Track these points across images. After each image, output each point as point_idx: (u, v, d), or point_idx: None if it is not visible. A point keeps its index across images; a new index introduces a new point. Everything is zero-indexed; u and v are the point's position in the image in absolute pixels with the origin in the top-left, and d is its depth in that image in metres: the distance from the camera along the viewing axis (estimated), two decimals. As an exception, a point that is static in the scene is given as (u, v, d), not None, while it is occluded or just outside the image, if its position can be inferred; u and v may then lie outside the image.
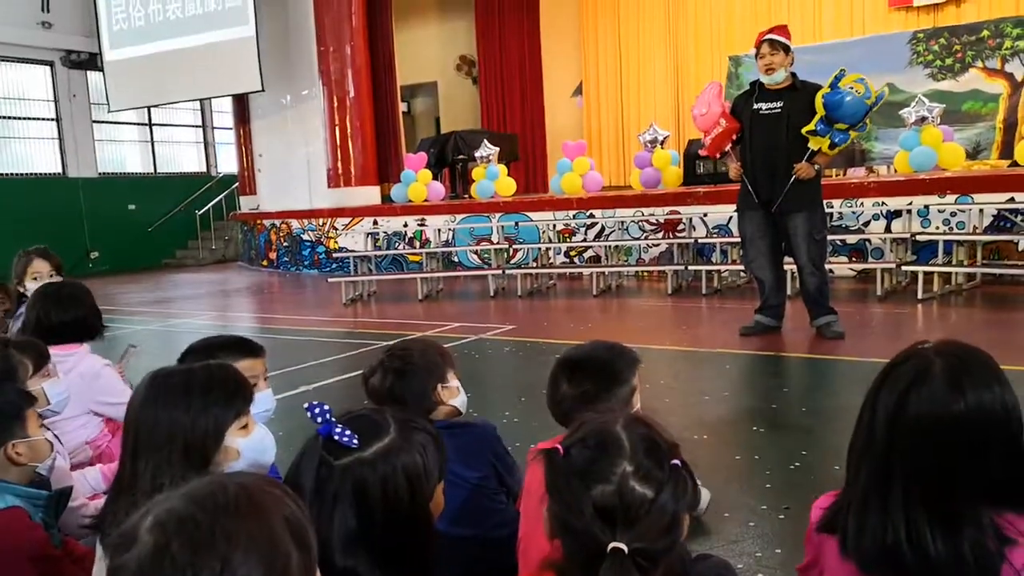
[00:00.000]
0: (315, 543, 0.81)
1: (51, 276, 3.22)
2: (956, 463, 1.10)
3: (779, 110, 4.82)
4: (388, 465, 1.13)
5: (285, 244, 12.07)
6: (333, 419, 1.14)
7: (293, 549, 0.76)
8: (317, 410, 1.14)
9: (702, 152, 5.50)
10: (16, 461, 1.66)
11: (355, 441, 1.13)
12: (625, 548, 0.94)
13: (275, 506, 0.78)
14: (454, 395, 1.86)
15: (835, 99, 4.60)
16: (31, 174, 13.95)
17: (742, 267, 7.54)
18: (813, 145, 4.75)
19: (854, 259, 7.55)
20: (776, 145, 4.85)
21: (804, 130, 4.71)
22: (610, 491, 0.97)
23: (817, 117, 4.67)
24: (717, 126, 4.99)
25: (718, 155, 5.24)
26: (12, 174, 13.70)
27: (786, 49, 4.79)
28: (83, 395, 2.51)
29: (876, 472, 1.15)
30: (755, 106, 4.91)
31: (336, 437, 1.12)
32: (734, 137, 5.00)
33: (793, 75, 4.87)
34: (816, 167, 4.83)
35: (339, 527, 1.09)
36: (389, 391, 1.78)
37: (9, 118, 13.71)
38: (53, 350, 2.48)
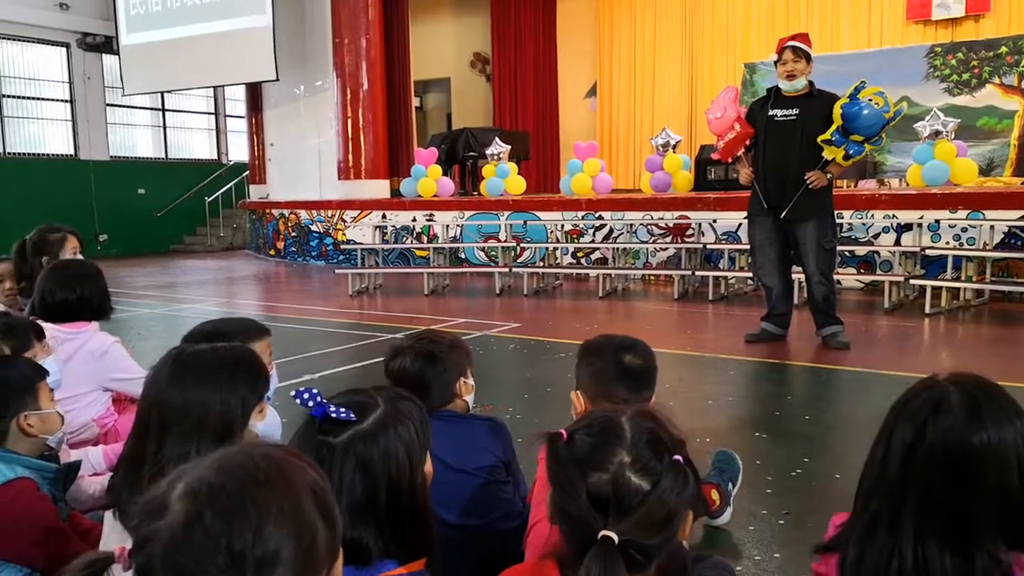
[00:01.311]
0: (339, 517, 0.81)
1: (75, 253, 3.23)
2: (974, 496, 1.09)
3: (794, 118, 4.80)
4: (387, 434, 1.14)
5: (293, 234, 12.09)
6: (324, 400, 1.14)
7: (319, 521, 0.76)
8: (306, 395, 1.14)
9: (714, 156, 5.50)
10: (28, 432, 1.68)
11: (352, 415, 1.13)
12: (615, 537, 0.93)
13: (301, 477, 0.78)
14: (470, 391, 1.89)
15: (853, 110, 4.58)
16: (43, 155, 14.00)
17: (750, 274, 7.53)
18: (827, 155, 4.73)
19: (862, 271, 7.52)
20: (789, 152, 4.79)
21: (819, 139, 4.69)
22: (605, 479, 0.97)
23: (834, 127, 4.64)
24: (731, 131, 4.97)
25: (730, 160, 5.20)
26: (24, 154, 13.76)
27: (808, 57, 4.79)
28: (93, 372, 2.52)
29: (888, 501, 1.13)
30: (770, 112, 4.89)
31: (333, 415, 1.12)
32: (747, 143, 4.98)
33: (810, 83, 4.86)
34: (828, 176, 4.82)
35: (345, 500, 1.09)
36: (418, 374, 1.79)
37: (24, 98, 13.77)
38: (63, 327, 2.50)
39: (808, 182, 4.74)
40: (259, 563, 0.70)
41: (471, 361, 1.94)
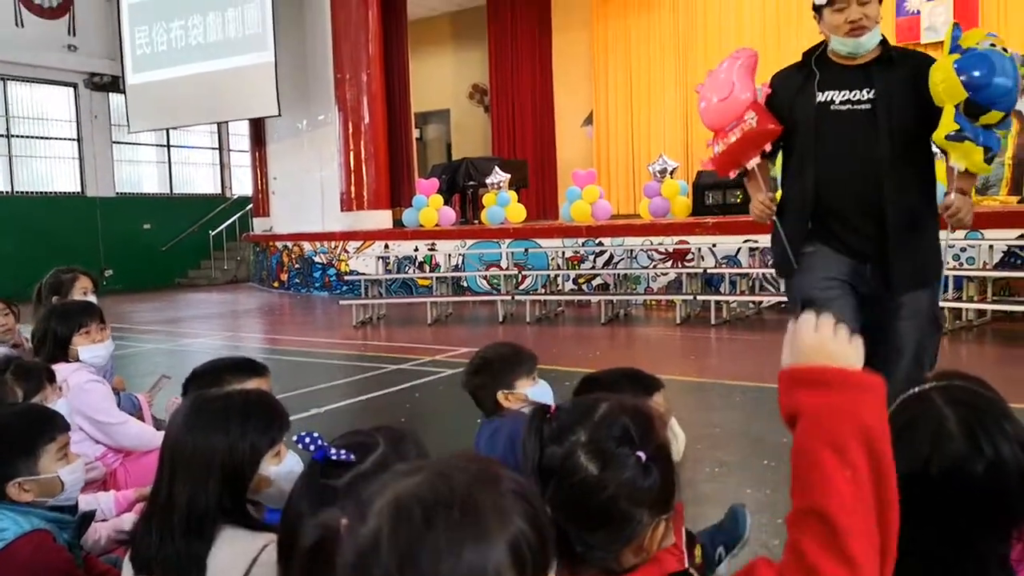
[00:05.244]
0: (549, 523, 0.73)
1: (85, 294, 3.26)
2: (975, 519, 1.04)
3: (868, 104, 2.56)
4: (386, 472, 1.16)
5: (297, 266, 12.17)
6: (325, 443, 1.16)
7: (530, 531, 0.69)
8: (308, 439, 1.15)
9: (706, 165, 3.01)
10: (20, 500, 1.61)
11: (352, 456, 1.15)
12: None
13: (498, 494, 0.71)
14: (518, 401, 1.93)
15: (975, 62, 2.38)
16: (51, 193, 14.15)
17: (751, 298, 7.53)
18: (956, 159, 2.51)
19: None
20: (873, 165, 2.58)
21: (941, 136, 2.45)
22: (559, 454, 0.96)
23: (952, 106, 2.41)
24: (739, 124, 2.69)
25: (733, 174, 2.84)
26: (31, 192, 13.90)
27: None
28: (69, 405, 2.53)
29: None
30: (820, 97, 2.61)
31: (334, 457, 1.14)
32: (768, 148, 2.72)
33: (883, 41, 2.62)
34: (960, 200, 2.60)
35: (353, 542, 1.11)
36: (466, 385, 2.03)
37: (31, 137, 13.95)
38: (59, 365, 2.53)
39: (950, 214, 2.64)
40: None
41: (526, 371, 2.01)
